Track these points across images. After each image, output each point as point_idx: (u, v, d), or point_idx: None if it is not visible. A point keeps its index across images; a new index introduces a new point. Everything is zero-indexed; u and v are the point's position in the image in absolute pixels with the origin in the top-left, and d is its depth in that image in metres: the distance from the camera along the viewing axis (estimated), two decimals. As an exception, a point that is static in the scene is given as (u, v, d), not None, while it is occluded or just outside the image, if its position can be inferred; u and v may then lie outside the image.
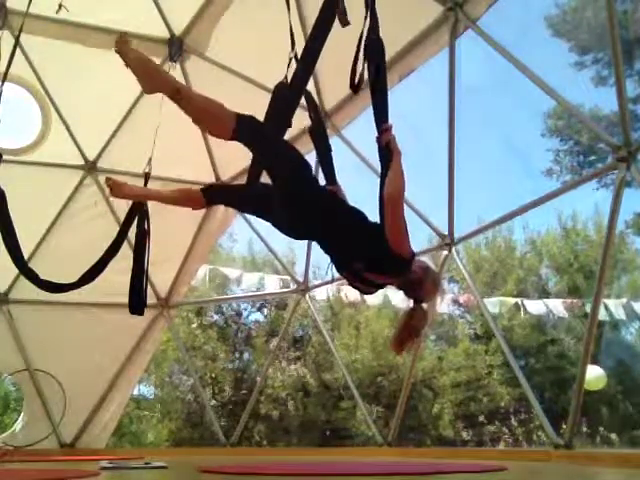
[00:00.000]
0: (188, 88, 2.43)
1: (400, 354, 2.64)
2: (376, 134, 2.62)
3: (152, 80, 2.39)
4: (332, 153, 3.17)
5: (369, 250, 2.46)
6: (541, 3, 15.68)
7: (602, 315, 11.37)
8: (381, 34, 2.78)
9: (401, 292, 2.63)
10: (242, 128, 2.41)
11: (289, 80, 2.89)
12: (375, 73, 2.70)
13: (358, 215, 2.57)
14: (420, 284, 2.52)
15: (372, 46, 2.73)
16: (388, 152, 2.52)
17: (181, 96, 2.38)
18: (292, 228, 2.68)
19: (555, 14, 15.15)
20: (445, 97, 5.55)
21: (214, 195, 2.86)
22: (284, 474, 3.29)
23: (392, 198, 2.42)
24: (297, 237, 2.84)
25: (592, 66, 14.79)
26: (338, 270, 2.61)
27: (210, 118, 2.44)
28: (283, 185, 2.57)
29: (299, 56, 2.91)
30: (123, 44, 2.34)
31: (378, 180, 2.55)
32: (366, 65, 2.74)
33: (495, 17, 5.40)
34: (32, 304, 6.98)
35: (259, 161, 2.85)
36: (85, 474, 3.37)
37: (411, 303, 2.58)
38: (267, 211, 2.67)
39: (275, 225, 2.68)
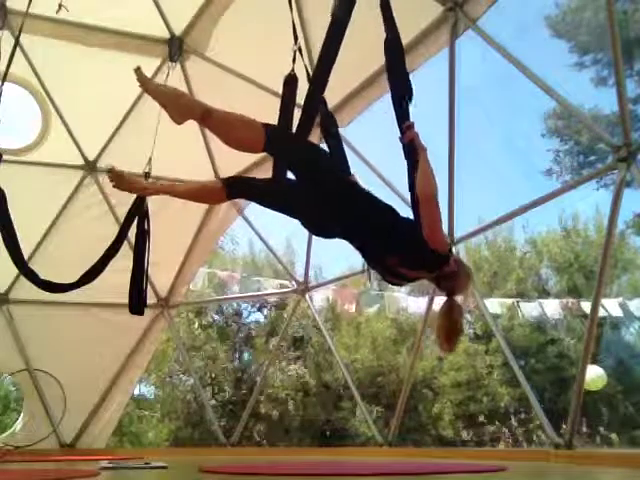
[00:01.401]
0: (216, 109, 2.41)
1: (452, 351, 2.65)
2: (399, 134, 2.62)
3: (180, 108, 2.41)
4: (343, 145, 3.10)
5: (407, 247, 2.47)
6: (541, 3, 15.69)
7: (601, 313, 11.39)
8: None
9: (434, 285, 2.65)
10: (271, 139, 2.43)
11: (309, 81, 2.89)
12: (394, 71, 2.71)
13: (392, 211, 2.56)
14: (455, 277, 2.54)
15: (390, 45, 2.73)
16: (413, 150, 2.53)
17: (211, 118, 2.39)
18: (324, 226, 2.65)
19: (555, 14, 15.16)
20: (445, 97, 5.55)
21: (237, 189, 2.68)
22: (284, 474, 3.29)
23: (427, 197, 2.43)
24: (328, 235, 2.78)
25: (592, 66, 14.81)
26: (370, 265, 2.62)
27: (241, 135, 2.44)
28: (315, 186, 2.56)
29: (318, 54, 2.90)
30: (143, 79, 2.39)
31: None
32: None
33: (495, 17, 5.41)
34: (32, 304, 6.99)
35: (286, 166, 2.79)
36: (85, 474, 3.37)
37: (443, 298, 2.59)
38: (295, 208, 2.63)
39: (304, 223, 2.65)
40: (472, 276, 2.69)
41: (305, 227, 2.68)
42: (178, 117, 2.41)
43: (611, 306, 11.86)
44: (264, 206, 2.73)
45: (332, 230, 2.69)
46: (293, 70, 3.03)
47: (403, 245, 2.47)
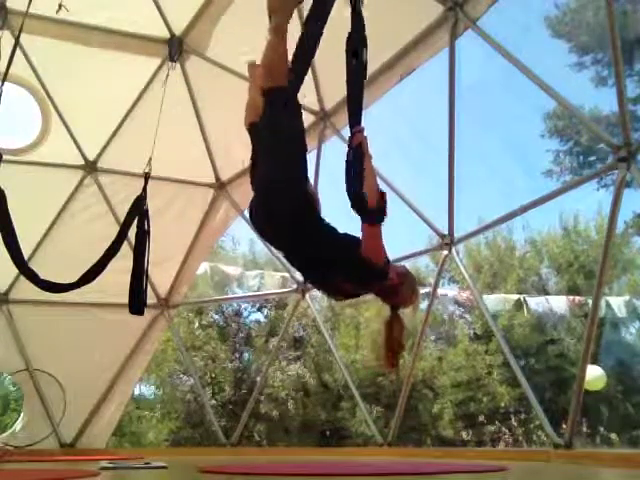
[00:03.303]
0: (284, 38, 2.49)
1: (394, 369, 2.61)
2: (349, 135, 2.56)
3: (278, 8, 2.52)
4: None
5: (350, 266, 2.39)
6: (541, 3, 15.71)
7: (604, 312, 11.43)
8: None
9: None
10: (279, 89, 2.46)
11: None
12: (355, 73, 2.66)
13: (334, 235, 2.47)
14: (396, 291, 2.47)
15: (353, 41, 2.68)
16: (359, 155, 2.46)
17: (278, 33, 2.47)
18: (267, 222, 2.52)
19: (555, 15, 15.17)
20: (445, 97, 5.55)
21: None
22: (284, 474, 3.29)
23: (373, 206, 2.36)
24: (267, 235, 2.61)
25: (592, 66, 14.82)
26: (312, 283, 2.57)
27: (276, 62, 2.50)
28: (267, 177, 2.48)
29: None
30: None
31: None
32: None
33: (495, 17, 5.42)
34: (32, 304, 6.99)
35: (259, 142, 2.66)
36: (85, 474, 3.37)
37: (388, 311, 2.53)
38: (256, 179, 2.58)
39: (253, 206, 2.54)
40: (417, 290, 2.59)
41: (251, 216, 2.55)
42: (273, 12, 2.51)
43: (617, 304, 11.90)
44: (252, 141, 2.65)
45: (273, 233, 2.56)
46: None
47: (345, 266, 2.39)
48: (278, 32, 2.46)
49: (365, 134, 2.52)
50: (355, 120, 2.57)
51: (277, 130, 2.47)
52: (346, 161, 2.50)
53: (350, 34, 2.65)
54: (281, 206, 2.41)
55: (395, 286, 2.45)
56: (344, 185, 2.45)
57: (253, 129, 2.66)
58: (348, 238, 2.45)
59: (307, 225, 2.44)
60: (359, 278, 2.43)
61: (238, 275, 12.89)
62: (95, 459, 5.62)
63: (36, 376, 7.31)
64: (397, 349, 2.50)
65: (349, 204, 2.40)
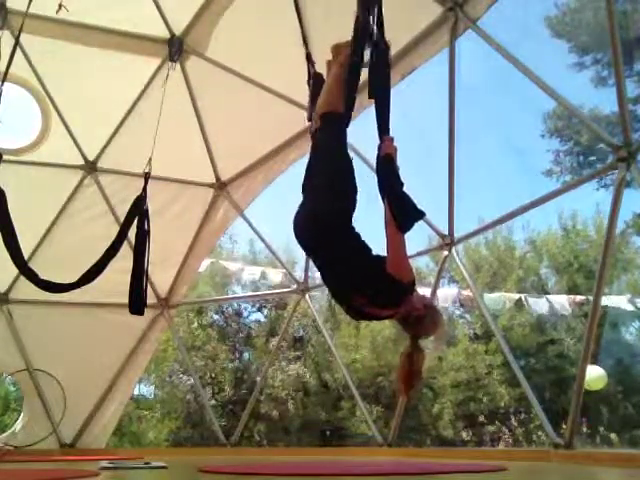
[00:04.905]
0: (338, 73, 2.92)
1: (408, 398, 2.64)
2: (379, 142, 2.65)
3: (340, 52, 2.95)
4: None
5: (375, 285, 2.39)
6: (541, 4, 15.72)
7: (610, 304, 11.46)
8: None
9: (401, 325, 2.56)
10: (337, 114, 2.78)
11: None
12: (381, 80, 2.72)
13: (365, 251, 2.51)
14: (420, 321, 2.44)
15: (378, 52, 2.74)
16: (387, 165, 2.54)
17: (339, 68, 2.89)
18: (303, 224, 2.64)
19: (555, 15, 15.17)
20: (445, 97, 5.56)
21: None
22: (284, 474, 3.29)
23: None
24: (301, 236, 2.67)
25: (592, 66, 14.82)
26: (338, 303, 2.57)
27: (332, 91, 2.89)
28: (313, 185, 2.66)
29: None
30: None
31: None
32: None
33: (495, 17, 5.42)
34: (32, 304, 6.99)
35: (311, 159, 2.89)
36: (85, 474, 3.37)
37: (408, 340, 2.51)
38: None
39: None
40: (442, 324, 2.58)
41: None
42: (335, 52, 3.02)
43: (617, 304, 11.91)
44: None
45: (307, 234, 2.64)
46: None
47: (371, 284, 2.40)
48: (342, 66, 2.86)
49: (395, 144, 2.61)
50: (385, 127, 2.66)
51: (329, 151, 2.75)
52: (376, 168, 2.62)
53: (375, 45, 2.81)
54: (327, 220, 2.55)
55: (420, 317, 2.43)
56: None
57: (315, 134, 2.90)
58: (377, 256, 2.48)
59: (345, 239, 2.52)
60: (384, 297, 2.42)
61: (238, 270, 12.88)
62: (95, 459, 5.62)
63: (36, 376, 7.31)
64: (415, 381, 2.48)
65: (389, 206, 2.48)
